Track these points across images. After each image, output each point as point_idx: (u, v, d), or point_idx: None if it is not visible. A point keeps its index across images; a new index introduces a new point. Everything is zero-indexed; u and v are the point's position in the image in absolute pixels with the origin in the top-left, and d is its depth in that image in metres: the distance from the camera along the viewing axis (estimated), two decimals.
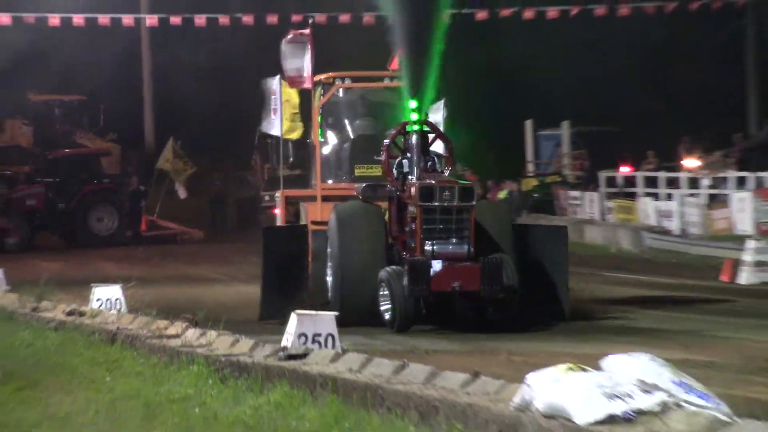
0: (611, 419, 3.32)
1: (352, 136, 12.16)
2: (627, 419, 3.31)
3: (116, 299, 9.54)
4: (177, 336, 7.06)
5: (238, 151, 29.82)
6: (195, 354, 6.30)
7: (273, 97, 12.30)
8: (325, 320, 7.01)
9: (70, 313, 8.97)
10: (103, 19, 25.91)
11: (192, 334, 6.99)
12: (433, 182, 10.05)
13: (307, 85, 11.15)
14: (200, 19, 26.86)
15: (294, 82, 11.38)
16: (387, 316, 9.53)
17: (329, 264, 10.43)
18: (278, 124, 12.32)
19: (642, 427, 3.25)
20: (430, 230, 9.71)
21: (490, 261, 9.51)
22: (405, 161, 10.43)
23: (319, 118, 11.73)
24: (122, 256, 21.36)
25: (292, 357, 5.71)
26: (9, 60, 24.49)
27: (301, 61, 10.94)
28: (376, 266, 9.89)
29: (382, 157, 10.54)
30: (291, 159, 18.41)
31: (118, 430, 4.85)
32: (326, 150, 12.12)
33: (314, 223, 10.96)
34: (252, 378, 5.55)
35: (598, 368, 3.63)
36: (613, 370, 3.62)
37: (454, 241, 9.71)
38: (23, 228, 23.09)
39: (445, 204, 9.76)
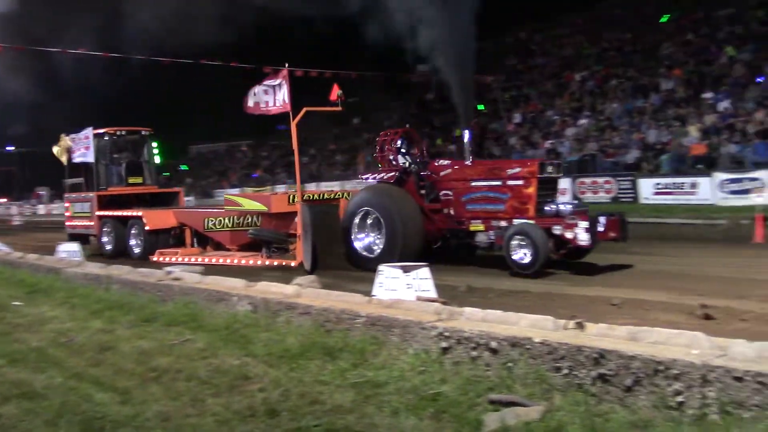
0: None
1: (124, 161, 19.69)
2: None
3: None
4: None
5: None
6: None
7: (86, 140, 18.62)
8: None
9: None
10: None
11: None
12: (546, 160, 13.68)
13: (288, 110, 13.82)
14: None
15: (278, 110, 14.22)
16: (524, 260, 11.00)
17: (365, 232, 13.02)
18: (91, 155, 18.58)
19: None
20: (543, 195, 11.78)
21: (622, 215, 11.88)
22: (399, 156, 13.68)
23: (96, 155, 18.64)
24: None
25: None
26: None
27: (282, 94, 13.95)
28: (421, 224, 12.70)
29: (389, 156, 13.79)
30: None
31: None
32: (105, 169, 19.22)
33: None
34: None
35: None
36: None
37: (576, 202, 12.41)
38: None
39: (554, 175, 12.09)
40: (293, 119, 13.46)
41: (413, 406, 4.53)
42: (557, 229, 11.01)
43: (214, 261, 15.04)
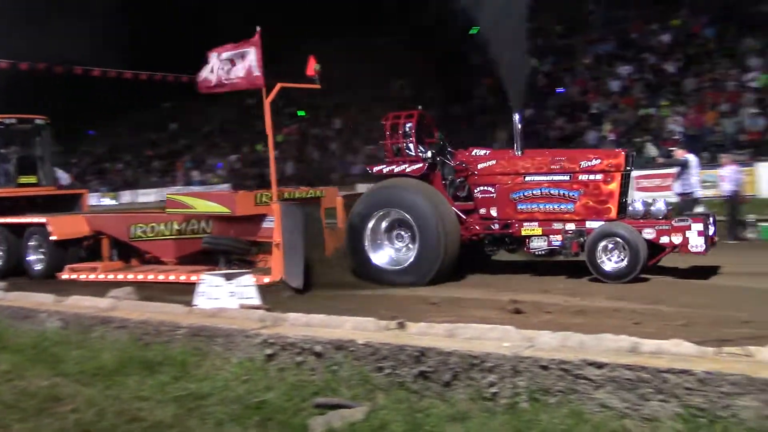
0: None
1: (14, 156, 15.55)
2: None
3: None
4: None
5: None
6: None
7: None
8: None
9: None
10: None
11: None
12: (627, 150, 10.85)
13: (260, 84, 10.86)
14: None
15: (243, 84, 11.06)
16: (616, 268, 9.29)
17: (378, 240, 10.69)
18: None
19: None
20: (623, 193, 10.01)
21: (713, 215, 10.11)
22: (411, 145, 11.07)
23: None
24: None
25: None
26: None
27: (247, 63, 10.85)
28: (459, 229, 10.52)
29: (402, 145, 11.12)
30: None
31: None
32: None
33: None
34: None
35: None
36: None
37: (658, 200, 9.93)
38: None
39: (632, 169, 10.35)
40: (266, 97, 10.83)
41: (238, 416, 4.49)
42: (649, 233, 9.37)
43: (151, 278, 11.84)
